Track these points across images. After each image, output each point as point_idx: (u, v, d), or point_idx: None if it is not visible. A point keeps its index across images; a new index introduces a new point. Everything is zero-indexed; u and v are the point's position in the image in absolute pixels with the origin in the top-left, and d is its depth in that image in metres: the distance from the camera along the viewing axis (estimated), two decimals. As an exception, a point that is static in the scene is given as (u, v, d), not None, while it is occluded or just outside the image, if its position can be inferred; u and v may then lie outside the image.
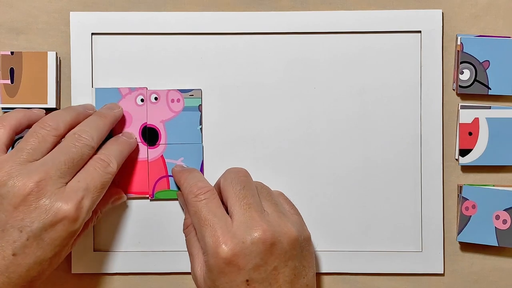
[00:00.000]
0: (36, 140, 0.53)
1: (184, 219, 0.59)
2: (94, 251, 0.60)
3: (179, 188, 0.59)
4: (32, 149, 0.52)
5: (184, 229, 0.58)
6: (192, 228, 0.56)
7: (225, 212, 0.53)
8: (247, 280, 0.51)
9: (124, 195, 0.59)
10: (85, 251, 0.60)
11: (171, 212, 0.60)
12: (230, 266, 0.51)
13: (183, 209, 0.60)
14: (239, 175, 0.56)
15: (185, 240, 0.58)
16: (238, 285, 0.51)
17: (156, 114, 0.60)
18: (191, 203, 0.54)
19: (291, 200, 0.59)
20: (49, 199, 0.50)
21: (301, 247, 0.54)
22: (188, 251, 0.57)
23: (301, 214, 0.58)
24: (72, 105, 0.60)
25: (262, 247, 0.51)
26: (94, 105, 0.60)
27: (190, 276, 0.60)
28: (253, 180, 0.57)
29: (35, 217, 0.50)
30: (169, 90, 0.60)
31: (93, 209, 0.53)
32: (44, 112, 0.57)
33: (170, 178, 0.60)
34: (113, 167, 0.55)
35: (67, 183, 0.52)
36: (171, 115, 0.60)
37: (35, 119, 0.55)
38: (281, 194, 0.59)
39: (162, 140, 0.60)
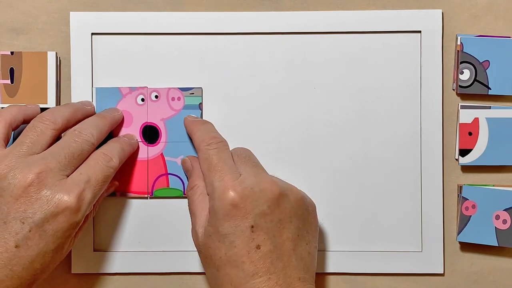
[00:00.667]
0: (35, 133, 0.53)
1: (190, 180, 0.57)
2: (94, 251, 0.60)
3: (183, 175, 0.59)
4: (31, 142, 0.53)
5: (188, 191, 0.57)
6: (197, 189, 0.55)
7: (234, 164, 0.54)
8: (252, 226, 0.51)
9: (116, 182, 0.59)
10: (85, 251, 0.60)
11: (171, 212, 0.60)
12: (237, 209, 0.51)
13: (186, 177, 0.59)
14: (244, 150, 0.57)
15: (188, 202, 0.56)
16: (242, 231, 0.50)
17: (157, 112, 0.60)
18: (202, 150, 0.55)
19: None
20: (50, 190, 0.50)
21: (307, 210, 0.54)
22: (190, 211, 0.56)
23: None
24: (72, 104, 0.60)
25: (270, 196, 0.51)
26: (95, 104, 0.60)
27: (190, 276, 0.61)
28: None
29: (37, 208, 0.50)
30: (169, 88, 0.60)
31: (94, 202, 0.53)
32: (39, 107, 0.57)
33: (169, 176, 0.60)
34: (115, 161, 0.55)
35: (68, 176, 0.52)
36: (172, 113, 0.60)
37: (30, 114, 0.56)
38: None
39: (162, 138, 0.60)
